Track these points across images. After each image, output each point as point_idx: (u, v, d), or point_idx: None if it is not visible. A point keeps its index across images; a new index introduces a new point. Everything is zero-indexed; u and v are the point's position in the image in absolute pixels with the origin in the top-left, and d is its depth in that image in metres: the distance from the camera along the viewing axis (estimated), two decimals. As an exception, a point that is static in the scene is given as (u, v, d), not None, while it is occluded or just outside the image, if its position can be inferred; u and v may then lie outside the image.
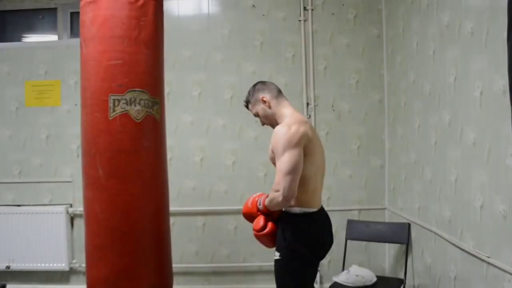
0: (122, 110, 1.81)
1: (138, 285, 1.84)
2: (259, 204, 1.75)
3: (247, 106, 1.90)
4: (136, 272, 1.83)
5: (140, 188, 1.85)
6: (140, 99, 1.84)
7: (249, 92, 1.88)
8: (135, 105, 1.83)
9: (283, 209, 1.74)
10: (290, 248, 1.68)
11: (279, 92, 1.84)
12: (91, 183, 1.86)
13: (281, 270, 1.71)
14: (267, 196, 1.71)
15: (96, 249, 1.86)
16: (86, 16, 1.88)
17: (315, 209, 1.72)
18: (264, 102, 1.80)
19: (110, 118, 1.80)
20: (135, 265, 1.82)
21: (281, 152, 1.59)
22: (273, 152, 1.67)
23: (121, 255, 1.81)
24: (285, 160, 1.57)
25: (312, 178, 1.70)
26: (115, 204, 1.81)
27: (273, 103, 1.79)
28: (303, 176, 1.64)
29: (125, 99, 1.81)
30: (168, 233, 2.06)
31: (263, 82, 1.87)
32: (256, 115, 1.86)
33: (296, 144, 1.60)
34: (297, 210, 1.70)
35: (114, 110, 1.80)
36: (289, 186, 1.57)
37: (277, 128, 1.67)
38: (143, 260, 1.86)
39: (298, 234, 1.68)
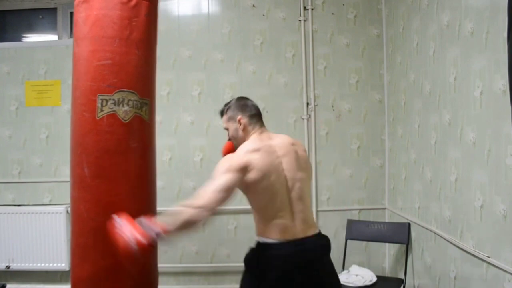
0: (110, 110, 1.80)
1: (121, 286, 1.83)
2: (149, 229, 1.34)
3: (221, 115, 1.79)
4: (119, 273, 1.80)
5: (125, 188, 1.84)
6: (129, 100, 1.83)
7: (229, 103, 1.75)
8: (123, 106, 1.81)
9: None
10: (242, 276, 1.63)
11: (259, 116, 1.71)
12: (77, 182, 1.85)
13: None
14: (150, 219, 1.38)
15: (80, 248, 1.85)
16: (79, 16, 1.87)
17: (273, 241, 1.52)
18: (240, 123, 1.68)
19: (98, 118, 1.79)
20: (118, 266, 1.78)
21: (214, 176, 1.48)
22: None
23: (104, 256, 1.78)
24: (214, 182, 1.46)
25: (266, 207, 1.55)
26: (100, 204, 1.80)
27: (248, 128, 1.67)
28: (256, 205, 1.60)
29: (113, 100, 1.80)
30: None
31: (245, 102, 1.73)
32: (226, 129, 1.75)
33: (232, 171, 1.48)
34: (258, 238, 1.59)
35: (102, 110, 1.79)
36: (211, 202, 1.43)
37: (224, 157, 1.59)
38: None
39: (247, 264, 1.61)
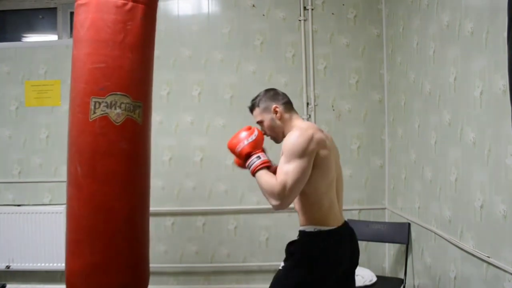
0: (102, 112, 1.84)
1: (108, 282, 1.88)
2: (249, 166, 1.57)
3: (251, 110, 1.75)
4: (107, 269, 1.87)
5: (115, 189, 1.88)
6: (121, 103, 1.86)
7: (258, 96, 1.73)
8: (115, 108, 1.85)
9: (300, 228, 1.63)
10: (293, 264, 1.58)
11: (291, 104, 1.73)
12: (71, 181, 1.92)
13: (276, 280, 1.62)
14: (263, 165, 1.53)
15: (72, 243, 1.92)
16: (78, 18, 1.91)
17: (331, 227, 1.57)
18: (276, 112, 1.67)
19: (90, 120, 1.84)
20: (106, 262, 1.86)
21: (290, 156, 1.46)
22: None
23: (93, 252, 1.86)
24: (293, 168, 1.44)
25: (326, 193, 1.57)
26: (90, 202, 1.86)
27: (285, 116, 1.68)
28: (315, 192, 1.54)
29: (106, 102, 1.84)
30: (146, 234, 2.07)
31: (275, 91, 1.74)
32: (260, 123, 1.72)
33: (308, 153, 1.47)
34: (311, 228, 1.57)
35: (94, 112, 1.84)
36: (292, 198, 1.46)
37: (292, 132, 1.56)
38: (115, 258, 1.89)
39: (306, 253, 1.56)
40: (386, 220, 3.02)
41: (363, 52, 3.07)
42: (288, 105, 1.71)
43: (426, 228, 2.32)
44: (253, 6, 3.11)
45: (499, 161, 1.58)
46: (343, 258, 1.60)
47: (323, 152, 1.53)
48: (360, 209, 3.07)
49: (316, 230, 1.57)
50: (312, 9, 3.08)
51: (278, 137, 1.70)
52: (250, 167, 1.56)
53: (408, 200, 2.64)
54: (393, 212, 2.92)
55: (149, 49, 2.03)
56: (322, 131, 1.61)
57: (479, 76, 1.72)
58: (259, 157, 1.56)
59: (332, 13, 3.08)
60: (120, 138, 1.88)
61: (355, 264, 1.69)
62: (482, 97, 1.69)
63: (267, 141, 1.70)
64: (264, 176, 1.50)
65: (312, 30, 3.08)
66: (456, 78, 1.93)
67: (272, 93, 1.72)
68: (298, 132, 1.52)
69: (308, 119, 3.06)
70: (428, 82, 2.27)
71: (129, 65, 1.89)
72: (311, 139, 1.49)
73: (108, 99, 1.84)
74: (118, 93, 1.86)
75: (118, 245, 1.90)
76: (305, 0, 3.09)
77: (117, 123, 1.86)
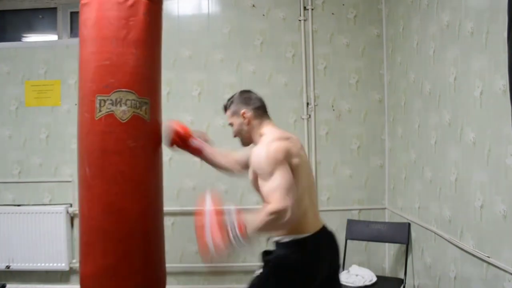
0: (108, 110, 1.81)
1: (122, 284, 1.85)
2: (233, 234, 1.32)
3: (224, 111, 1.75)
4: (120, 271, 1.83)
5: (123, 188, 1.85)
6: (127, 100, 1.84)
7: (232, 98, 1.71)
8: (120, 106, 1.83)
9: (275, 239, 1.56)
10: (269, 274, 1.54)
11: (264, 109, 1.69)
12: (81, 182, 1.90)
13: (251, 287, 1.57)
14: (239, 216, 1.35)
15: (84, 246, 1.90)
16: (82, 18, 1.91)
17: (306, 234, 1.51)
18: (244, 118, 1.64)
19: (96, 119, 1.82)
20: (118, 264, 1.83)
21: (269, 171, 1.40)
22: (254, 173, 1.50)
23: (104, 254, 1.83)
24: (278, 178, 1.37)
25: (300, 200, 1.49)
26: (99, 203, 1.83)
27: (253, 121, 1.64)
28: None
29: (111, 100, 1.82)
30: (160, 234, 2.04)
31: (249, 95, 1.70)
32: (231, 125, 1.71)
33: (283, 161, 1.43)
34: (286, 238, 1.52)
35: (100, 111, 1.82)
36: (291, 205, 1.35)
37: (257, 149, 1.52)
38: (127, 260, 1.86)
39: (282, 264, 1.52)
40: (386, 220, 3.02)
41: (363, 52, 3.07)
42: (260, 111, 1.67)
43: (426, 228, 2.32)
44: (253, 6, 3.11)
45: (499, 161, 1.58)
46: (321, 267, 1.52)
47: (293, 161, 1.48)
48: (360, 209, 3.07)
49: (291, 239, 1.51)
50: (312, 9, 3.08)
51: (244, 142, 1.69)
52: (237, 236, 1.32)
53: (408, 200, 2.64)
54: (393, 212, 2.92)
55: (154, 45, 2.01)
56: (288, 139, 1.55)
57: (479, 76, 1.72)
58: (233, 225, 1.33)
59: (332, 13, 3.08)
60: (126, 136, 1.85)
61: (337, 268, 1.64)
62: (482, 97, 1.69)
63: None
64: (253, 220, 1.33)
65: (312, 30, 3.08)
66: (456, 78, 1.93)
67: (245, 97, 1.69)
68: (264, 152, 1.45)
69: (308, 119, 3.06)
70: (428, 82, 2.27)
71: (133, 61, 1.87)
72: (277, 149, 1.45)
73: (113, 97, 1.82)
74: (123, 90, 1.84)
75: (130, 247, 1.87)
76: (305, 0, 3.09)
77: (123, 120, 1.84)
